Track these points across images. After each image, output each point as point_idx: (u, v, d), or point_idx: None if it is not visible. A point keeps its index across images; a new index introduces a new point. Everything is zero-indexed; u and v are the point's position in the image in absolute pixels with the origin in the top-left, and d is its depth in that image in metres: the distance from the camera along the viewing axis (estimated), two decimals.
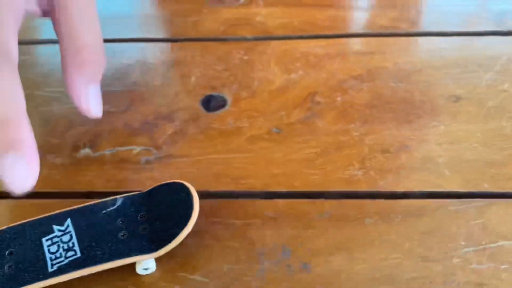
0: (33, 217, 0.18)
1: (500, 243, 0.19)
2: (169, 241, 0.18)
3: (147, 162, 0.22)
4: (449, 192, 0.20)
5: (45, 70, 0.26)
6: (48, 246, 0.18)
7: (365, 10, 0.29)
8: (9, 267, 0.17)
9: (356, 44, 0.27)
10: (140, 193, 0.19)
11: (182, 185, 0.19)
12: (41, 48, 0.28)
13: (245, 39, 0.27)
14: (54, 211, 0.19)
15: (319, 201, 0.20)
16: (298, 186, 0.21)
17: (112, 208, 0.19)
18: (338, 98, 0.24)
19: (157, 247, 0.18)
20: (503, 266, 0.18)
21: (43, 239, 0.18)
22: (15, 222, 0.18)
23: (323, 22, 0.28)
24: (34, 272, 0.17)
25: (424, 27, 0.28)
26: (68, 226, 0.18)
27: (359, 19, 0.28)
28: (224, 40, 0.27)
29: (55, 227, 0.18)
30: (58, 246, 0.18)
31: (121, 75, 0.26)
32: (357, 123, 0.23)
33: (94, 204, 0.19)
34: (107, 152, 0.22)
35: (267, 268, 0.18)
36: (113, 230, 0.18)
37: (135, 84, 0.25)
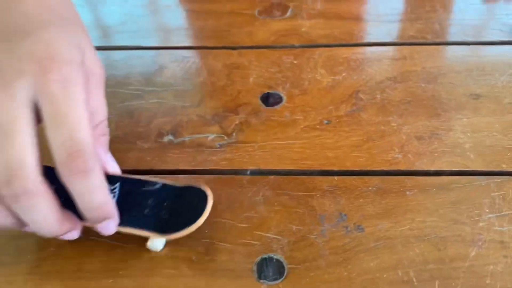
0: None
1: None
2: (176, 231, 0.21)
3: (221, 146, 0.26)
4: (473, 171, 0.24)
5: (124, 72, 0.31)
6: None
7: (396, 23, 0.33)
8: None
9: (389, 51, 0.31)
10: (174, 186, 0.23)
11: (205, 194, 0.22)
12: (118, 53, 0.33)
13: (293, 47, 0.32)
14: None
15: (366, 178, 0.24)
16: (349, 166, 0.25)
17: (150, 188, 0.23)
18: (378, 96, 0.28)
19: (167, 232, 0.22)
20: None
21: None
22: None
23: (360, 32, 0.32)
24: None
25: (447, 37, 0.32)
26: (116, 188, 0.22)
27: (391, 30, 0.33)
28: (275, 47, 0.32)
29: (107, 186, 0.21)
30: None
31: (191, 77, 0.30)
32: (394, 116, 0.27)
33: (141, 180, 0.23)
34: (186, 138, 0.27)
35: (328, 229, 0.23)
36: (142, 205, 0.22)
37: (203, 84, 0.30)
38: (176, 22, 0.34)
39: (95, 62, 0.22)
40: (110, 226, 0.21)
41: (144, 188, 0.23)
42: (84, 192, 0.19)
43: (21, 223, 0.20)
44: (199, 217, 0.22)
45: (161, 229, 0.22)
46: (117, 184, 0.23)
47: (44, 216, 0.19)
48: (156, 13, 0.35)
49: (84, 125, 0.19)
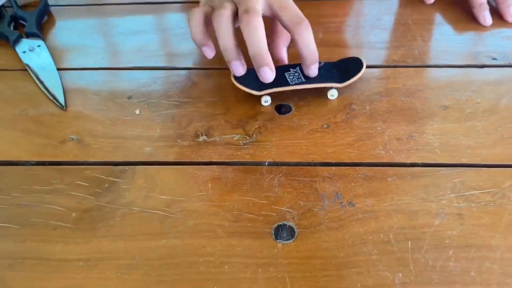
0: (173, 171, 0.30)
1: (472, 192, 0.30)
2: (347, 79, 0.35)
3: (245, 144, 0.34)
4: (440, 163, 0.32)
5: (166, 87, 0.39)
6: (288, 76, 0.36)
7: (383, 50, 0.41)
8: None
9: (376, 72, 0.39)
10: (332, 62, 0.37)
11: (359, 59, 0.37)
12: (159, 72, 0.40)
13: None
14: (187, 174, 0.31)
15: (357, 168, 0.32)
16: (344, 159, 0.32)
17: (321, 64, 0.36)
18: (367, 107, 0.36)
19: (341, 81, 0.35)
20: (473, 205, 0.29)
21: (285, 73, 0.36)
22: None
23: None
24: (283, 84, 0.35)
25: (424, 61, 0.40)
26: (296, 69, 0.36)
27: (379, 55, 0.40)
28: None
29: (290, 69, 0.36)
30: (293, 76, 0.36)
31: (219, 91, 0.38)
32: (379, 122, 0.35)
33: (310, 60, 0.35)
34: (217, 138, 0.34)
35: (327, 205, 0.30)
36: (320, 73, 0.36)
37: (229, 97, 0.37)
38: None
39: None
40: (267, 71, 0.34)
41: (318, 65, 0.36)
42: (305, 37, 0.34)
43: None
44: (361, 69, 0.36)
45: (340, 81, 0.36)
46: (297, 67, 0.37)
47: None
48: (188, 41, 0.43)
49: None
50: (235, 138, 0.34)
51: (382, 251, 0.27)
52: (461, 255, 0.27)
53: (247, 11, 0.33)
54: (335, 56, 0.40)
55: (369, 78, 0.38)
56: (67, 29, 0.46)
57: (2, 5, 0.46)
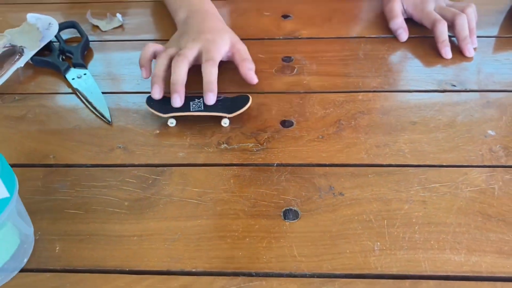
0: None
1: (433, 185, 0.39)
2: (235, 111, 0.45)
3: (257, 150, 0.43)
4: (409, 164, 0.41)
5: None
6: (192, 104, 0.45)
7: (365, 78, 0.51)
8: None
9: (360, 95, 0.49)
10: (229, 97, 0.46)
11: (248, 97, 0.46)
12: None
13: (299, 93, 0.49)
14: (213, 172, 0.40)
15: (345, 168, 0.41)
16: (335, 161, 0.41)
17: (221, 98, 0.45)
18: (352, 122, 0.45)
19: (231, 112, 0.45)
20: (434, 194, 0.38)
21: (190, 102, 0.45)
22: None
23: (342, 84, 0.50)
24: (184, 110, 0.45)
25: (397, 87, 0.50)
26: (200, 100, 0.45)
27: (362, 82, 0.50)
28: (287, 93, 0.49)
29: (195, 99, 0.45)
30: (195, 105, 0.45)
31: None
32: (362, 134, 0.44)
33: (217, 96, 0.45)
34: (235, 146, 0.43)
35: (323, 194, 0.39)
36: (216, 104, 0.45)
37: (244, 114, 0.46)
38: (222, 76, 0.52)
39: (239, 43, 0.51)
40: (211, 98, 0.45)
41: (217, 99, 0.45)
42: (206, 71, 0.45)
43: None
44: (247, 104, 0.45)
45: (229, 112, 0.45)
46: (201, 99, 0.46)
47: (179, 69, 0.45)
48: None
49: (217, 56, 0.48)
50: (249, 146, 0.43)
51: (365, 227, 0.36)
52: (424, 230, 0.36)
53: (179, 55, 0.47)
54: (326, 83, 0.50)
55: (355, 100, 0.48)
56: (105, 60, 0.55)
57: (51, 41, 0.56)
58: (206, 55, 0.47)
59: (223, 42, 0.49)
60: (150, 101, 0.46)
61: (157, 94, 0.46)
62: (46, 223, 0.38)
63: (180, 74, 0.45)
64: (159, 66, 0.47)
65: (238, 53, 0.49)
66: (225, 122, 0.45)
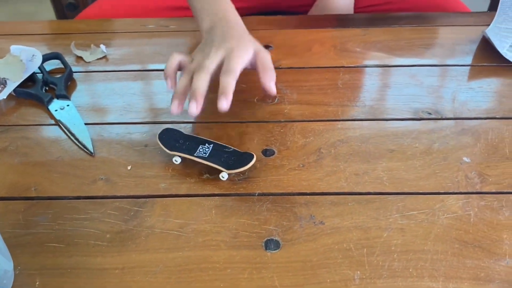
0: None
1: (411, 212, 0.40)
2: (236, 168, 0.43)
3: (239, 180, 0.43)
4: (387, 192, 0.42)
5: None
6: (200, 148, 0.45)
7: (344, 107, 0.52)
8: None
9: (339, 124, 0.50)
10: (238, 151, 0.45)
11: (252, 155, 0.44)
12: (164, 125, 0.50)
13: (280, 122, 0.50)
14: (195, 203, 0.40)
15: (325, 196, 0.42)
16: (315, 190, 0.42)
17: (226, 150, 0.45)
18: (332, 150, 0.46)
19: (229, 169, 0.43)
20: (412, 221, 0.39)
21: (200, 145, 0.45)
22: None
23: (322, 113, 0.51)
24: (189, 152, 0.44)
25: (375, 115, 0.51)
26: (209, 147, 0.45)
27: (341, 111, 0.52)
28: (269, 122, 0.50)
29: (206, 144, 0.45)
30: (201, 151, 0.44)
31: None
32: (342, 162, 0.45)
33: (224, 146, 0.45)
34: (217, 176, 0.44)
35: (304, 223, 0.39)
36: (222, 155, 0.44)
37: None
38: (204, 106, 0.53)
39: (263, 52, 0.51)
40: (224, 103, 0.45)
41: (225, 149, 0.45)
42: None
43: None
44: (249, 163, 0.43)
45: (230, 168, 0.43)
46: (211, 145, 0.45)
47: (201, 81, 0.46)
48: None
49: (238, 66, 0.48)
50: (231, 176, 0.44)
51: (345, 256, 0.37)
52: (402, 257, 0.37)
53: (202, 67, 0.48)
54: (307, 112, 0.51)
55: (334, 128, 0.49)
56: (89, 91, 0.56)
57: (34, 72, 0.57)
58: (226, 65, 0.48)
59: (247, 51, 0.50)
60: (163, 135, 0.46)
61: (176, 109, 0.47)
62: (26, 257, 0.37)
63: (201, 84, 0.46)
64: (182, 82, 0.48)
65: (261, 62, 0.50)
66: (223, 176, 0.44)
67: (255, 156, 0.44)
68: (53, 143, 0.48)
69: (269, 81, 0.49)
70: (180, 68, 0.51)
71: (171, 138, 0.46)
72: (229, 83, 0.46)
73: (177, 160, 0.45)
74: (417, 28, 0.66)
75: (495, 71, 0.58)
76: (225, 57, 0.48)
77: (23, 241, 0.38)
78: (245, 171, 0.43)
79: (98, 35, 0.66)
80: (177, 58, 0.50)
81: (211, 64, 0.48)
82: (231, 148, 0.45)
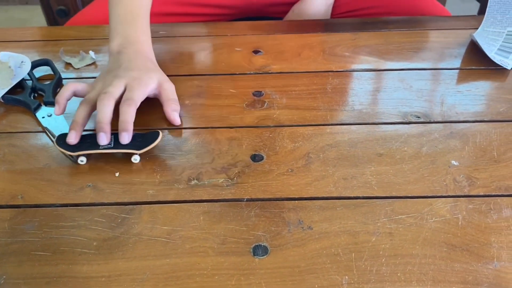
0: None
1: (400, 216, 0.40)
2: (144, 147, 0.45)
3: (227, 185, 0.43)
4: (376, 196, 0.42)
5: (162, 145, 0.48)
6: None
7: (333, 111, 0.52)
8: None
9: (328, 128, 0.50)
10: (138, 133, 0.47)
11: (158, 132, 0.46)
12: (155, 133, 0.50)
13: (269, 126, 0.50)
14: (183, 210, 0.40)
15: (314, 201, 0.41)
16: (304, 195, 0.42)
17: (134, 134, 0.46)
18: (321, 155, 0.46)
19: (140, 148, 0.45)
20: (400, 225, 0.39)
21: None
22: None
23: (310, 117, 0.51)
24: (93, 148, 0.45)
25: (364, 120, 0.51)
26: (111, 137, 0.46)
27: (330, 116, 0.52)
28: (258, 127, 0.50)
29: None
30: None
31: (205, 145, 0.48)
32: (330, 167, 0.45)
33: (120, 128, 0.46)
34: (206, 182, 0.44)
35: (292, 229, 0.39)
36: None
37: (214, 150, 0.47)
38: (193, 111, 0.53)
39: (167, 83, 0.53)
40: (125, 137, 0.45)
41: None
42: (123, 111, 0.47)
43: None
44: (156, 139, 0.46)
45: (138, 148, 0.45)
46: (113, 135, 0.46)
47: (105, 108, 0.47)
48: (183, 107, 0.53)
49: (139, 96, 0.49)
50: (220, 181, 0.44)
51: (333, 261, 0.37)
52: (390, 262, 0.37)
53: (105, 93, 0.48)
54: (296, 117, 0.51)
55: (323, 133, 0.49)
56: (77, 98, 0.56)
57: (23, 79, 0.56)
58: (127, 94, 0.48)
59: (150, 81, 0.51)
60: (59, 140, 0.46)
61: (73, 140, 0.46)
62: (12, 266, 0.37)
63: (106, 112, 0.46)
64: (80, 112, 0.47)
65: (165, 93, 0.51)
66: (135, 159, 0.45)
67: (160, 133, 0.46)
68: (40, 150, 0.48)
69: (172, 112, 0.50)
70: (75, 95, 0.51)
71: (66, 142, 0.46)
72: (129, 113, 0.46)
73: (82, 160, 0.46)
74: (406, 32, 0.67)
75: (483, 75, 0.58)
76: (127, 86, 0.49)
77: (9, 250, 0.38)
78: (153, 148, 0.46)
79: (87, 42, 0.66)
80: (71, 87, 0.50)
81: (115, 90, 0.48)
82: (136, 133, 0.47)
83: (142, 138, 0.46)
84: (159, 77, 0.52)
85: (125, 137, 0.45)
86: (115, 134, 0.46)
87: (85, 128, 0.47)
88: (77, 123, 0.46)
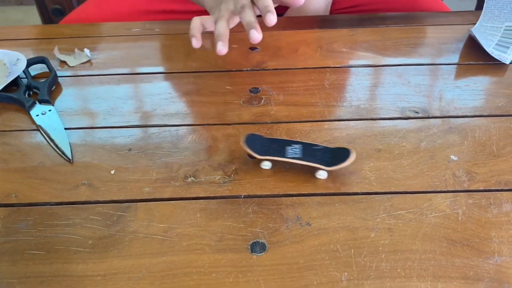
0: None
1: (399, 212, 0.40)
2: (336, 165, 0.42)
3: (224, 182, 0.43)
4: (375, 191, 0.41)
5: (159, 141, 0.48)
6: (288, 149, 0.43)
7: (329, 107, 0.52)
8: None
9: (326, 124, 0.49)
10: (329, 147, 0.44)
11: (349, 150, 0.42)
12: (152, 129, 0.49)
13: (266, 123, 0.50)
14: (179, 207, 0.39)
15: (312, 197, 0.41)
16: (302, 191, 0.42)
17: (320, 147, 0.43)
18: None
19: (329, 165, 0.42)
20: (400, 221, 0.39)
21: (287, 147, 0.44)
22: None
23: (308, 113, 0.51)
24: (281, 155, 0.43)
25: (362, 115, 0.51)
26: (298, 147, 0.43)
27: (326, 112, 0.51)
28: (255, 123, 0.50)
29: (292, 145, 0.44)
30: (291, 152, 0.43)
31: (202, 142, 0.47)
32: None
33: (311, 144, 0.44)
34: (202, 179, 0.43)
35: (290, 225, 0.39)
36: (314, 153, 0.43)
37: (211, 147, 0.47)
38: (189, 108, 0.52)
39: None
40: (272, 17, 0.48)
41: (314, 147, 0.44)
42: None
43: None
44: (346, 160, 0.42)
45: (328, 165, 0.42)
46: (300, 145, 0.44)
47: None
48: (175, 103, 0.53)
49: None
50: (217, 178, 0.43)
51: (332, 257, 0.36)
52: (390, 258, 0.36)
53: (242, 6, 0.51)
54: (293, 113, 0.50)
55: (320, 129, 0.48)
56: (73, 96, 0.55)
57: (18, 76, 0.56)
58: (262, 2, 0.50)
59: None
60: (248, 141, 0.44)
61: (223, 48, 0.50)
62: (6, 265, 0.36)
63: (254, 19, 0.50)
64: (222, 25, 0.51)
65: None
66: (320, 175, 0.43)
67: (352, 151, 0.42)
68: (34, 149, 0.47)
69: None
70: (203, 28, 0.55)
71: (257, 143, 0.44)
72: (274, 12, 0.49)
73: (267, 165, 0.44)
74: (404, 28, 0.66)
75: (481, 69, 0.57)
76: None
77: (3, 249, 0.37)
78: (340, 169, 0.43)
79: (82, 40, 0.65)
80: (199, 19, 0.54)
81: (248, 2, 0.51)
82: (319, 145, 0.44)
83: (332, 154, 0.43)
84: None
85: (271, 18, 0.48)
86: (303, 144, 0.44)
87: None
88: (224, 34, 0.50)
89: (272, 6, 0.49)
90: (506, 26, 0.62)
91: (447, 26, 0.67)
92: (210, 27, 0.55)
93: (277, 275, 0.35)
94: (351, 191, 0.42)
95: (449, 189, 0.42)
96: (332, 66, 0.58)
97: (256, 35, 0.48)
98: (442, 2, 0.78)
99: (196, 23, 0.54)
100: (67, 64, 0.60)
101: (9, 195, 0.42)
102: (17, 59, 0.58)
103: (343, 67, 0.58)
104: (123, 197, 0.42)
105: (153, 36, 0.65)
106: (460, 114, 0.50)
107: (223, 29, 0.51)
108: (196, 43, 0.53)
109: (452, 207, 0.40)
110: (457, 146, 0.46)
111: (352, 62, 0.59)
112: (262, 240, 0.38)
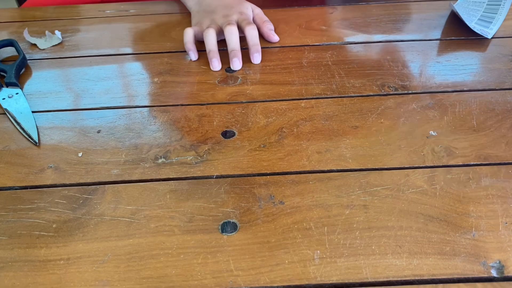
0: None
1: (375, 188, 0.38)
2: None
3: (196, 163, 0.41)
4: (350, 168, 0.40)
5: (129, 122, 0.46)
6: None
7: (308, 85, 0.50)
8: None
9: (302, 102, 0.48)
10: None
11: None
12: (122, 110, 0.48)
13: (242, 102, 0.48)
14: (148, 189, 0.38)
15: (286, 176, 0.40)
16: (276, 169, 0.40)
17: None
18: (294, 129, 0.44)
19: None
20: (375, 198, 0.38)
21: None
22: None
23: (285, 92, 0.49)
24: None
25: (340, 93, 0.49)
26: None
27: (304, 90, 0.50)
28: (230, 103, 0.48)
29: None
30: None
31: (174, 123, 0.46)
32: (304, 141, 0.43)
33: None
34: (173, 160, 0.42)
35: (263, 204, 0.37)
36: None
37: (183, 127, 0.45)
38: (162, 89, 0.50)
39: (256, 8, 0.60)
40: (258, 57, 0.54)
41: None
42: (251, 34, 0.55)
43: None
44: None
45: None
46: None
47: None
48: (146, 84, 0.51)
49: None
50: (188, 159, 0.42)
51: (305, 235, 0.35)
52: (365, 235, 0.35)
53: (229, 23, 0.54)
54: (270, 92, 0.49)
55: (297, 107, 0.47)
56: (43, 78, 0.53)
57: None
58: (245, 21, 0.55)
59: (249, 8, 0.59)
60: None
61: (218, 65, 0.53)
62: None
63: (236, 38, 0.54)
64: (211, 40, 0.54)
65: (258, 17, 0.59)
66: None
67: None
68: (0, 133, 0.45)
69: (269, 31, 0.58)
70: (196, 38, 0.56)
71: None
72: (256, 35, 0.55)
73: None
74: (385, 4, 0.65)
75: (463, 45, 0.56)
76: (238, 18, 0.56)
77: None
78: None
79: (54, 22, 0.63)
80: (191, 31, 0.55)
81: (234, 19, 0.56)
82: None
83: None
84: (250, 4, 0.59)
85: (258, 58, 0.53)
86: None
87: None
88: (215, 51, 0.53)
89: (259, 45, 0.54)
90: (489, 1, 0.61)
91: (429, 2, 0.65)
92: (200, 38, 0.57)
93: (248, 255, 0.34)
94: (326, 168, 0.40)
95: (428, 164, 0.41)
96: (310, 44, 0.57)
97: (237, 65, 0.53)
98: None
99: (190, 36, 0.55)
100: (37, 47, 0.58)
101: None
102: None
103: (322, 45, 0.57)
104: (90, 179, 0.40)
105: (128, 17, 0.63)
106: (440, 89, 0.49)
107: (213, 46, 0.54)
108: (194, 56, 0.55)
109: (430, 183, 0.39)
110: (437, 121, 0.45)
111: (331, 40, 0.58)
112: (233, 220, 0.36)
